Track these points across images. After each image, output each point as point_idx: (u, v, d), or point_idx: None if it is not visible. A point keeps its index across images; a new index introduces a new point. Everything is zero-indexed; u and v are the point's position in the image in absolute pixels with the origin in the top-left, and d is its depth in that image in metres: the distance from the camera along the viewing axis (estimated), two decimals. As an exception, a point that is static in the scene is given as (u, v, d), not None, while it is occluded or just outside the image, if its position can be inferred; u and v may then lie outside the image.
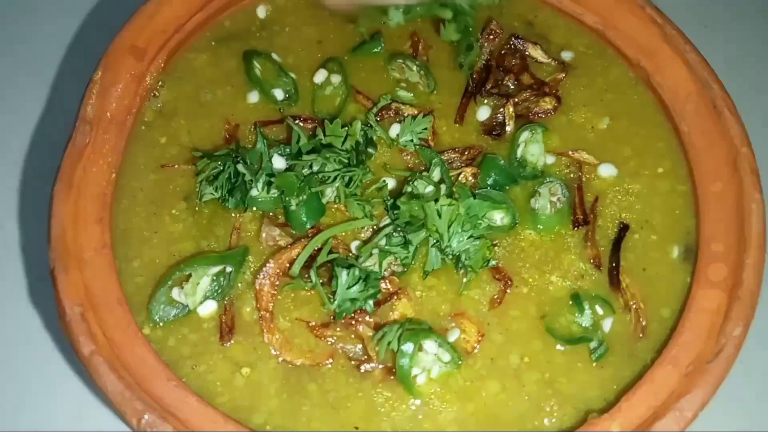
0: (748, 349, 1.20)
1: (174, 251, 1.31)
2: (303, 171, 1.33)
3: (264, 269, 1.27)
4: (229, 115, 1.44)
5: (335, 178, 1.32)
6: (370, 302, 1.25)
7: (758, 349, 1.35)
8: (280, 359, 1.24)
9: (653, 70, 1.48)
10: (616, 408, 1.16)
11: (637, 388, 1.18)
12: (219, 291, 1.28)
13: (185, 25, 1.46)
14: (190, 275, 1.27)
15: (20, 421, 1.44)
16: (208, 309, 1.26)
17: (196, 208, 1.34)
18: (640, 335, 1.28)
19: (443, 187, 1.33)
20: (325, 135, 1.36)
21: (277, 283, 1.27)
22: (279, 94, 1.46)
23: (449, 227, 1.27)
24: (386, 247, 1.28)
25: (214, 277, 1.28)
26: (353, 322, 1.25)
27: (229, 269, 1.29)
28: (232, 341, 1.25)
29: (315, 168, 1.32)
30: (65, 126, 1.32)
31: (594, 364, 1.25)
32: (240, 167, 1.32)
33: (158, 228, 1.33)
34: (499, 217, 1.34)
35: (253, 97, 1.46)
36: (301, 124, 1.42)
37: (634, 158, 1.42)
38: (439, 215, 1.27)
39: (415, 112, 1.43)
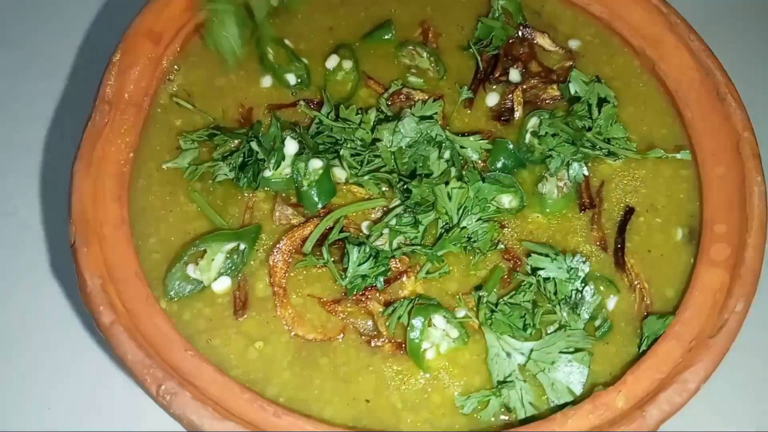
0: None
1: (189, 229, 1.34)
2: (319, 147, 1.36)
3: (277, 246, 1.30)
4: (242, 99, 1.47)
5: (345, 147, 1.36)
6: (381, 279, 1.28)
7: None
8: (293, 334, 1.27)
9: (658, 59, 1.51)
10: (621, 381, 1.19)
11: (642, 362, 1.21)
12: (233, 267, 1.30)
13: (201, 10, 1.49)
14: (204, 252, 1.30)
15: (41, 391, 1.47)
16: (223, 285, 1.29)
17: (210, 189, 1.37)
18: (645, 314, 1.31)
19: (453, 169, 1.36)
20: (338, 118, 1.39)
21: (289, 260, 1.30)
22: (292, 78, 1.49)
23: (459, 209, 1.30)
24: (396, 227, 1.31)
25: (228, 254, 1.31)
26: (364, 299, 1.28)
27: (242, 246, 1.31)
28: (246, 316, 1.28)
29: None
30: (85, 106, 1.36)
31: (600, 341, 1.27)
32: (254, 145, 1.35)
33: (174, 207, 1.36)
34: (507, 200, 1.37)
35: (267, 81, 1.49)
36: (313, 107, 1.45)
37: (639, 144, 1.45)
38: (450, 198, 1.30)
39: (426, 97, 1.46)
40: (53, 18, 1.85)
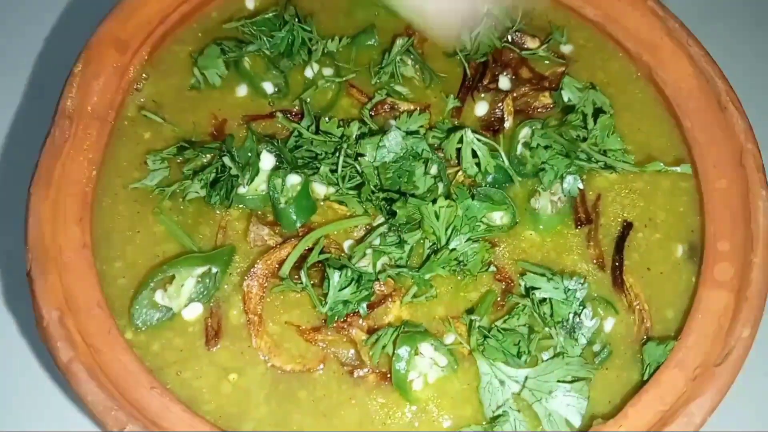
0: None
1: (158, 252, 1.25)
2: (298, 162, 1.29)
3: (252, 270, 1.22)
4: (216, 110, 1.39)
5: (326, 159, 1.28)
6: (364, 305, 1.20)
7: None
8: (269, 365, 1.19)
9: (655, 65, 1.44)
10: (622, 413, 1.12)
11: (644, 393, 1.14)
12: (204, 293, 1.22)
13: (171, 15, 1.41)
14: (173, 277, 1.21)
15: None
16: (194, 312, 1.21)
17: (181, 207, 1.28)
18: (644, 337, 1.23)
19: (440, 185, 1.27)
20: (318, 132, 1.31)
21: (265, 284, 1.22)
22: (269, 87, 1.40)
23: (447, 229, 1.22)
24: (380, 247, 1.23)
25: (199, 279, 1.22)
26: (345, 326, 1.20)
27: (214, 270, 1.23)
28: (219, 346, 1.19)
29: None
30: (43, 121, 1.26)
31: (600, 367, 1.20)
32: (226, 160, 1.26)
33: (141, 228, 1.27)
34: (498, 217, 1.29)
35: (242, 90, 1.41)
36: (291, 118, 1.37)
37: (636, 154, 1.37)
38: (437, 217, 1.21)
39: (412, 108, 1.38)
40: (10, 24, 1.74)
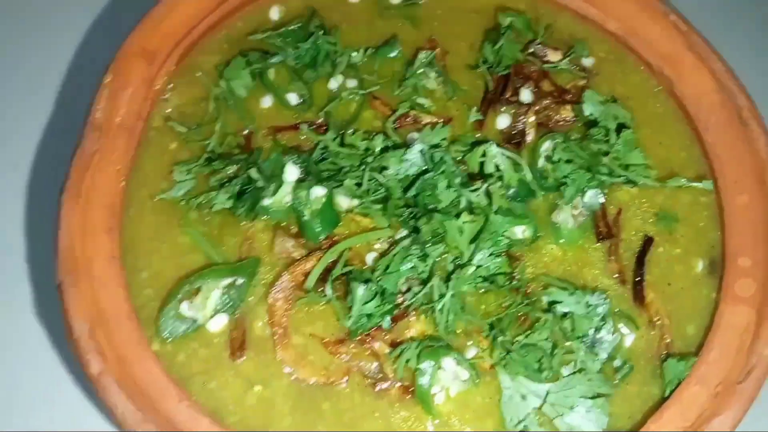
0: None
1: (184, 263, 1.26)
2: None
3: (278, 282, 1.23)
4: (241, 121, 1.40)
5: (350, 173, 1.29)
6: (387, 318, 1.21)
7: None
8: (293, 377, 1.19)
9: (676, 79, 1.44)
10: (644, 429, 1.12)
11: (665, 409, 1.15)
12: (230, 304, 1.23)
13: (197, 27, 1.42)
14: (199, 288, 1.22)
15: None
16: (219, 323, 1.22)
17: (206, 218, 1.30)
18: (665, 352, 1.24)
19: (463, 199, 1.28)
20: (343, 144, 1.32)
21: (290, 297, 1.23)
22: (293, 98, 1.42)
23: (470, 244, 1.23)
24: (403, 270, 1.22)
25: (225, 290, 1.23)
26: (369, 339, 1.21)
27: (240, 281, 1.24)
28: (244, 357, 1.20)
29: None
30: (72, 132, 1.28)
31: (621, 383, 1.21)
32: (253, 173, 1.28)
33: (167, 238, 1.28)
34: (520, 231, 1.30)
35: (267, 101, 1.42)
36: (316, 130, 1.38)
37: (656, 169, 1.37)
38: (461, 232, 1.22)
39: (434, 120, 1.39)
40: (42, 34, 1.76)
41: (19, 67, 1.72)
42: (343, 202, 1.31)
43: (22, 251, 1.53)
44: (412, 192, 1.28)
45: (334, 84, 1.44)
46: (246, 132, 1.38)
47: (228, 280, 1.23)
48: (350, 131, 1.35)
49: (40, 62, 1.72)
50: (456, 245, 1.23)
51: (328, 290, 1.21)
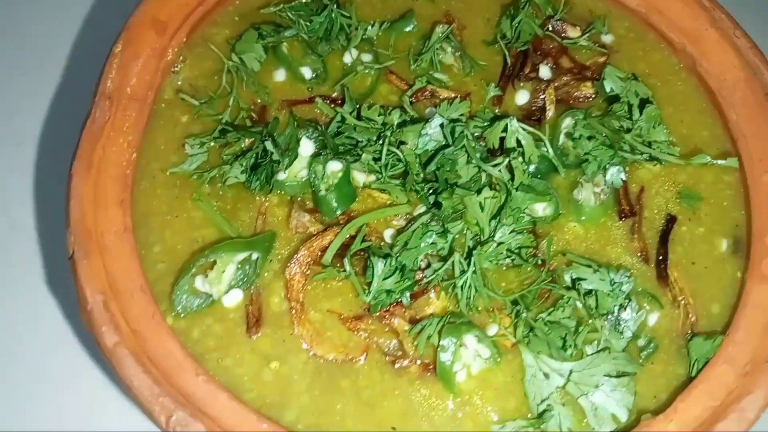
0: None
1: (197, 237, 1.23)
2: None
3: (295, 257, 1.20)
4: (254, 94, 1.36)
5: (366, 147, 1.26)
6: (407, 294, 1.18)
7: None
8: (311, 353, 1.16)
9: (699, 56, 1.41)
10: (671, 408, 1.10)
11: (693, 388, 1.12)
12: (245, 279, 1.20)
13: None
14: (214, 262, 1.19)
15: (39, 417, 1.36)
16: (234, 299, 1.19)
17: (220, 192, 1.26)
18: (689, 331, 1.21)
19: (483, 174, 1.25)
20: (359, 118, 1.28)
21: (308, 272, 1.20)
22: (307, 72, 1.38)
23: (491, 220, 1.20)
24: (423, 247, 1.19)
25: (240, 265, 1.20)
26: (388, 315, 1.18)
27: (255, 256, 1.21)
28: (260, 333, 1.17)
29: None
30: (81, 104, 1.24)
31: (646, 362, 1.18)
32: (268, 145, 1.24)
33: (180, 212, 1.25)
34: (541, 208, 1.27)
35: (280, 75, 1.38)
36: (330, 104, 1.35)
37: (679, 146, 1.35)
38: (482, 208, 1.19)
39: (452, 95, 1.35)
40: (49, 4, 1.71)
41: (26, 37, 1.68)
42: (360, 177, 1.28)
43: (32, 223, 1.49)
44: (431, 167, 1.25)
45: (348, 58, 1.40)
46: (260, 104, 1.35)
47: (243, 255, 1.20)
48: (366, 106, 1.31)
49: (48, 32, 1.68)
50: (476, 222, 1.20)
51: (347, 265, 1.18)
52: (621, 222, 1.29)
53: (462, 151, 1.26)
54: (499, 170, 1.24)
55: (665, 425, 1.08)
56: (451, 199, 1.20)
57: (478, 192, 1.20)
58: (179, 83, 1.36)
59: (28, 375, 1.38)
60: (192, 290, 1.18)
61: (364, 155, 1.26)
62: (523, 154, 1.28)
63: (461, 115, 1.31)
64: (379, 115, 1.30)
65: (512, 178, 1.24)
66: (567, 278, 1.21)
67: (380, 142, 1.27)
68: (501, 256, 1.19)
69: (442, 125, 1.26)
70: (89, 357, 1.39)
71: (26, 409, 1.35)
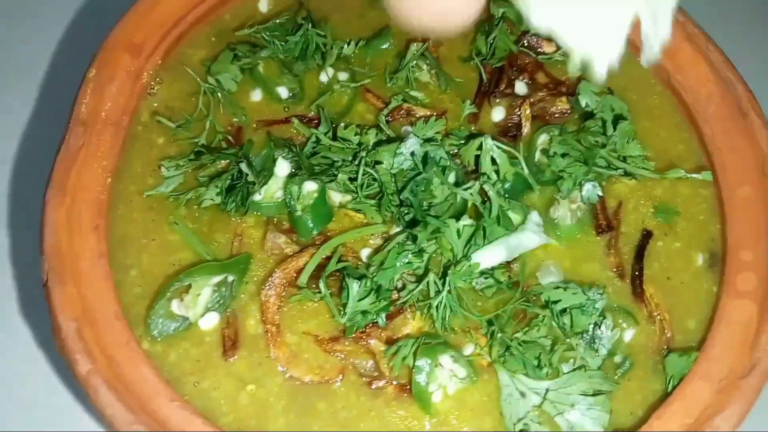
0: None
1: (174, 260, 1.23)
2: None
3: (270, 280, 1.20)
4: (230, 115, 1.36)
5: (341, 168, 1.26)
6: (383, 315, 1.18)
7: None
8: (287, 375, 1.17)
9: (674, 70, 1.42)
10: (647, 425, 1.11)
11: (668, 405, 1.12)
12: (221, 302, 1.20)
13: (185, 18, 1.39)
14: (189, 286, 1.19)
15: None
16: (210, 322, 1.19)
17: (196, 215, 1.27)
18: (665, 347, 1.22)
19: (458, 195, 1.25)
20: (335, 138, 1.29)
21: (283, 294, 1.20)
22: (283, 92, 1.38)
23: (465, 247, 1.20)
24: (398, 267, 1.19)
25: (216, 288, 1.20)
26: (364, 337, 1.18)
27: (231, 278, 1.21)
28: (236, 356, 1.17)
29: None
30: (56, 128, 1.24)
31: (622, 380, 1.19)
32: (243, 167, 1.24)
33: (156, 235, 1.25)
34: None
35: (257, 95, 1.39)
36: (307, 124, 1.35)
37: (655, 161, 1.35)
38: (459, 235, 1.20)
39: (428, 113, 1.36)
40: (22, 28, 1.71)
41: (0, 60, 1.68)
42: (336, 197, 1.29)
43: (5, 250, 1.48)
44: (405, 194, 1.25)
45: (324, 77, 1.41)
46: (236, 125, 1.35)
47: (219, 278, 1.20)
48: (343, 125, 1.32)
49: (23, 55, 1.67)
50: (451, 247, 1.20)
51: (322, 287, 1.18)
52: (598, 238, 1.29)
53: (437, 171, 1.26)
54: (471, 194, 1.24)
55: (640, 443, 1.08)
56: (426, 231, 1.20)
57: (457, 219, 1.20)
58: (156, 105, 1.36)
59: (2, 402, 1.37)
60: (168, 314, 1.18)
61: (340, 175, 1.27)
62: (498, 173, 1.28)
63: (437, 133, 1.31)
64: (355, 135, 1.31)
65: (485, 201, 1.24)
66: (542, 297, 1.21)
67: (356, 162, 1.27)
68: (475, 274, 1.19)
69: (413, 153, 1.26)
70: (64, 385, 1.38)
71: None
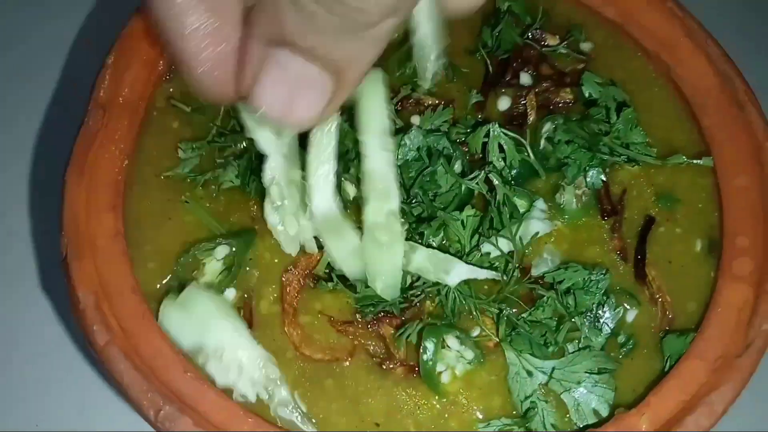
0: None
1: (188, 239, 1.26)
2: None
3: (292, 266, 1.23)
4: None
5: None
6: (398, 305, 1.21)
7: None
8: (298, 353, 1.20)
9: (674, 64, 1.46)
10: (644, 403, 1.13)
11: (665, 383, 1.15)
12: (231, 276, 1.23)
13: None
14: (203, 264, 1.23)
15: (32, 415, 1.39)
16: (228, 298, 1.22)
17: (213, 195, 1.30)
18: (666, 328, 1.25)
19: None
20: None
21: (303, 281, 1.23)
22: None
23: (472, 237, 1.24)
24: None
25: (224, 261, 1.23)
26: (376, 322, 1.21)
27: (234, 250, 1.24)
28: (252, 332, 1.20)
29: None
30: (75, 112, 1.28)
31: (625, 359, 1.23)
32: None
33: (172, 214, 1.28)
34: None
35: (268, 79, 1.42)
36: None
37: (657, 151, 1.38)
38: (464, 225, 1.23)
39: (436, 103, 1.39)
40: (45, 16, 1.76)
41: (22, 48, 1.72)
42: (350, 189, 1.31)
43: (27, 227, 1.53)
44: (415, 189, 1.28)
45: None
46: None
47: (224, 250, 1.23)
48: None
49: (44, 42, 1.72)
50: (458, 239, 1.23)
51: (334, 277, 1.22)
52: (603, 221, 1.33)
53: (442, 161, 1.29)
54: (477, 183, 1.27)
55: (638, 419, 1.11)
56: (432, 228, 1.23)
57: (460, 210, 1.24)
58: (171, 90, 1.39)
59: (23, 374, 1.42)
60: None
61: (352, 169, 1.29)
62: (505, 159, 1.32)
63: (444, 122, 1.35)
64: None
65: (490, 190, 1.28)
66: (547, 278, 1.25)
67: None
68: (485, 263, 1.23)
69: (419, 148, 1.30)
70: (82, 356, 1.42)
71: (21, 408, 1.39)
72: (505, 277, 1.24)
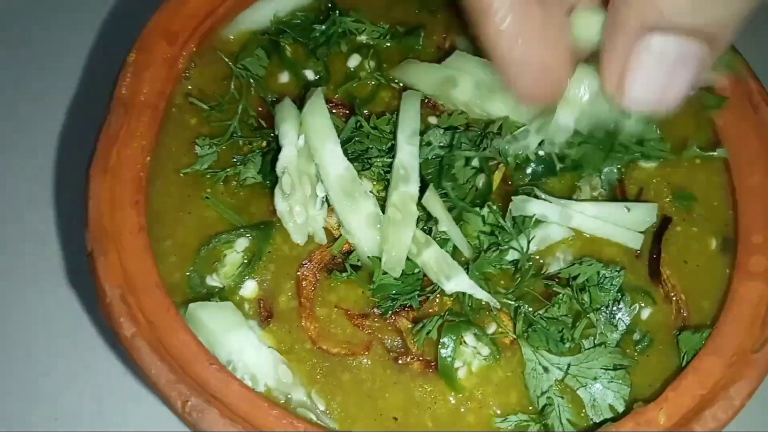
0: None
1: (209, 232, 1.28)
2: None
3: (308, 259, 1.25)
4: (259, 97, 1.41)
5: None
6: (416, 299, 1.22)
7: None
8: (315, 347, 1.21)
9: (687, 63, 1.47)
10: (662, 397, 1.15)
11: (683, 378, 1.17)
12: (252, 269, 1.25)
13: (218, 9, 1.44)
14: (224, 256, 1.25)
15: (59, 406, 1.41)
16: (249, 289, 1.24)
17: (234, 191, 1.32)
18: (681, 325, 1.27)
19: (482, 177, 1.29)
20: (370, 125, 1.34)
21: (318, 275, 1.25)
22: (310, 74, 1.44)
23: (492, 232, 1.25)
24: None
25: (244, 254, 1.25)
26: (393, 316, 1.23)
27: (254, 242, 1.26)
28: (270, 326, 1.22)
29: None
30: (96, 111, 1.30)
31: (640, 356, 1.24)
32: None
33: (192, 209, 1.30)
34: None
35: (284, 77, 1.44)
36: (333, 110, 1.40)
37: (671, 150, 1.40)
38: (484, 222, 1.24)
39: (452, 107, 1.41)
40: (65, 15, 1.78)
41: (43, 47, 1.75)
42: (367, 184, 1.31)
43: (52, 223, 1.55)
44: (444, 181, 1.28)
45: (352, 63, 1.46)
46: (266, 108, 1.39)
47: (244, 242, 1.25)
48: (375, 115, 1.35)
49: (64, 43, 1.75)
50: (477, 235, 1.25)
51: (348, 268, 1.23)
52: (619, 219, 1.33)
53: (459, 155, 1.30)
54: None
55: (656, 413, 1.13)
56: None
57: (481, 207, 1.25)
58: (189, 88, 1.41)
59: (45, 368, 1.44)
60: (204, 285, 1.23)
61: (374, 166, 1.30)
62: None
63: (460, 125, 1.36)
64: (387, 125, 1.35)
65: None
66: (563, 275, 1.26)
67: (390, 153, 1.31)
68: (503, 262, 1.24)
69: (441, 145, 1.31)
70: (103, 352, 1.44)
71: (47, 399, 1.40)
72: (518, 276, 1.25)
